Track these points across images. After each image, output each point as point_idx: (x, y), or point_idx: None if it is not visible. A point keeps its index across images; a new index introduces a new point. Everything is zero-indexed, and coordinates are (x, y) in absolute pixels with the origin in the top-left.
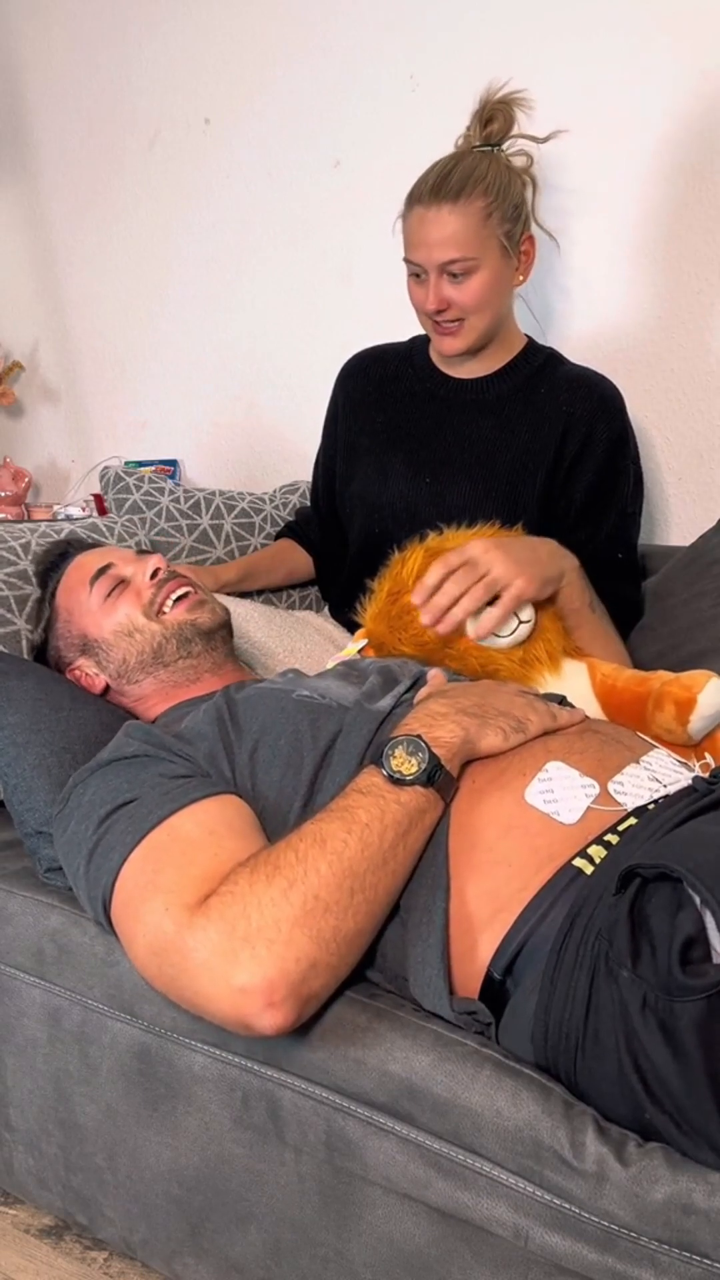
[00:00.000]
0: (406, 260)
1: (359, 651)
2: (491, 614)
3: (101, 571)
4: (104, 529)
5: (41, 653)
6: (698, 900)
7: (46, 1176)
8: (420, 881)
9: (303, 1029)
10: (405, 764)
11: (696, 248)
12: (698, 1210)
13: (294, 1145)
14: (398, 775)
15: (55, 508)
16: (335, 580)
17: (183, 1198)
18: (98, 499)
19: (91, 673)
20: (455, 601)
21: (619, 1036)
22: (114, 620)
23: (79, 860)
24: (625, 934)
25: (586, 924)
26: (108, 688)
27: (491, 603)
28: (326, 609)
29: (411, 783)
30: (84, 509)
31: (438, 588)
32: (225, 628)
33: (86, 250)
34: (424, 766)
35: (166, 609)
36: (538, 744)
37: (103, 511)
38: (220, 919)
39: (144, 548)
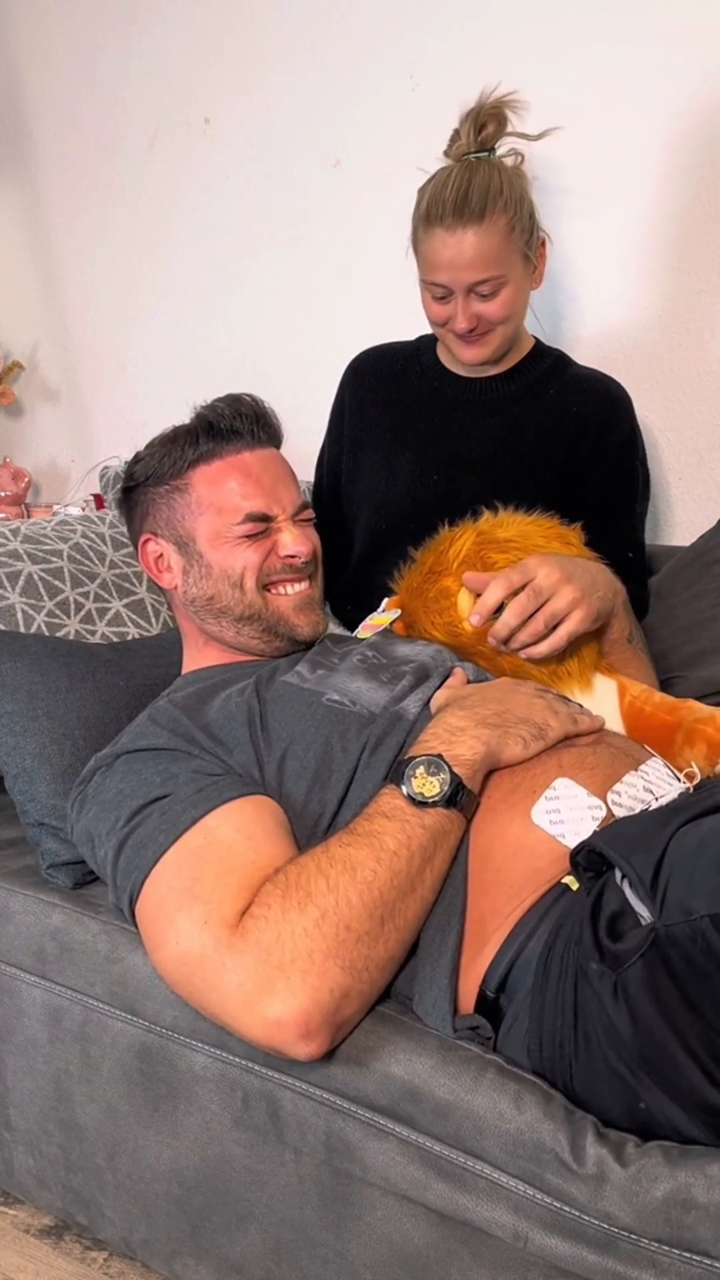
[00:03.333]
0: (428, 282)
1: (391, 625)
2: (542, 649)
3: (261, 519)
4: (97, 519)
5: (128, 488)
6: (618, 875)
7: (46, 1176)
8: (438, 900)
9: None
10: (427, 785)
11: (698, 248)
12: (697, 1205)
13: (294, 1146)
14: (419, 797)
15: (55, 508)
16: (336, 577)
17: (183, 1198)
18: (98, 499)
19: (171, 571)
20: (513, 632)
21: (602, 1031)
22: (230, 560)
23: (107, 849)
24: (589, 929)
25: (569, 934)
26: (174, 589)
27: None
28: (327, 607)
29: (434, 804)
30: (84, 509)
31: (497, 609)
32: (315, 641)
33: (86, 250)
34: (446, 789)
35: (276, 590)
36: (550, 758)
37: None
38: (256, 945)
39: (307, 504)
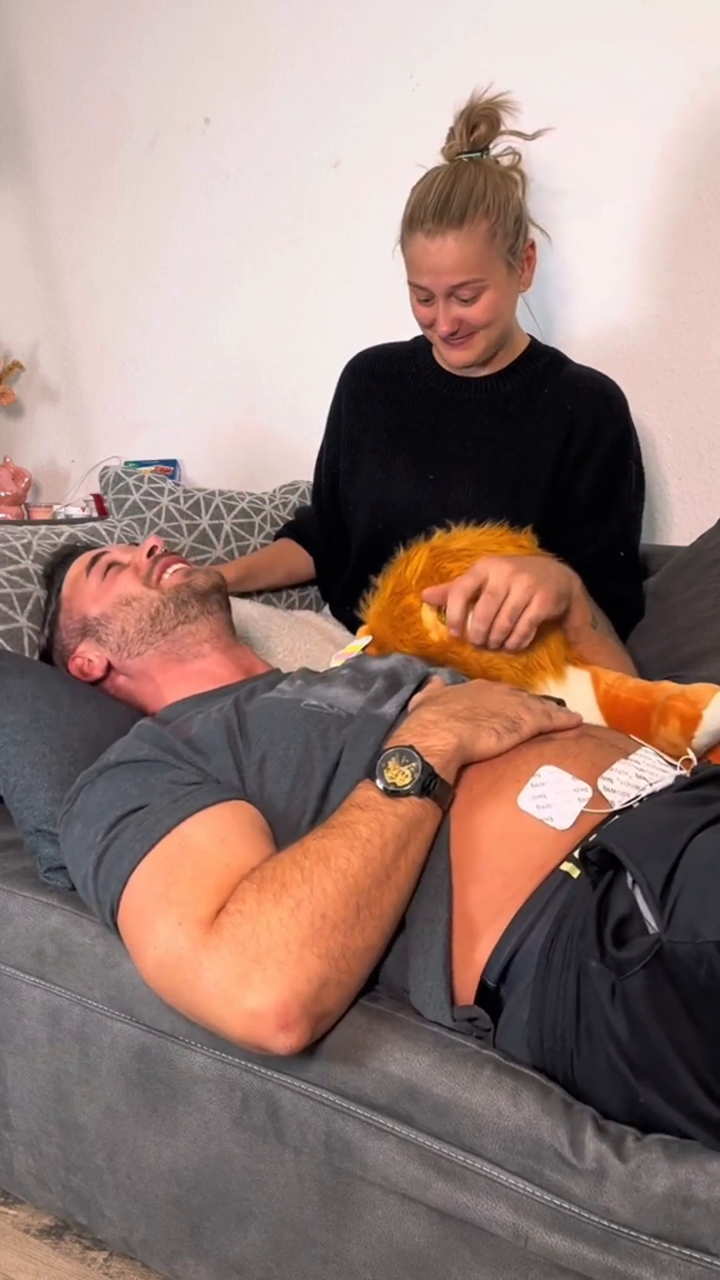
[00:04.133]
0: (411, 284)
1: (364, 649)
2: (514, 640)
3: (96, 558)
4: (104, 533)
5: (47, 653)
6: (629, 879)
7: (46, 1176)
8: (423, 891)
9: None
10: (399, 775)
11: (697, 248)
12: (698, 1202)
13: (294, 1146)
14: (392, 787)
15: (55, 508)
16: (336, 578)
17: (182, 1198)
18: (98, 499)
19: (93, 656)
20: (484, 636)
21: (603, 1027)
22: (112, 595)
23: (87, 865)
24: (593, 926)
25: (572, 926)
26: (109, 668)
27: None
28: (327, 608)
29: (407, 793)
30: (84, 509)
31: (464, 620)
32: (220, 591)
33: (86, 250)
34: (418, 776)
35: (163, 578)
36: (533, 750)
37: (102, 512)
38: (231, 939)
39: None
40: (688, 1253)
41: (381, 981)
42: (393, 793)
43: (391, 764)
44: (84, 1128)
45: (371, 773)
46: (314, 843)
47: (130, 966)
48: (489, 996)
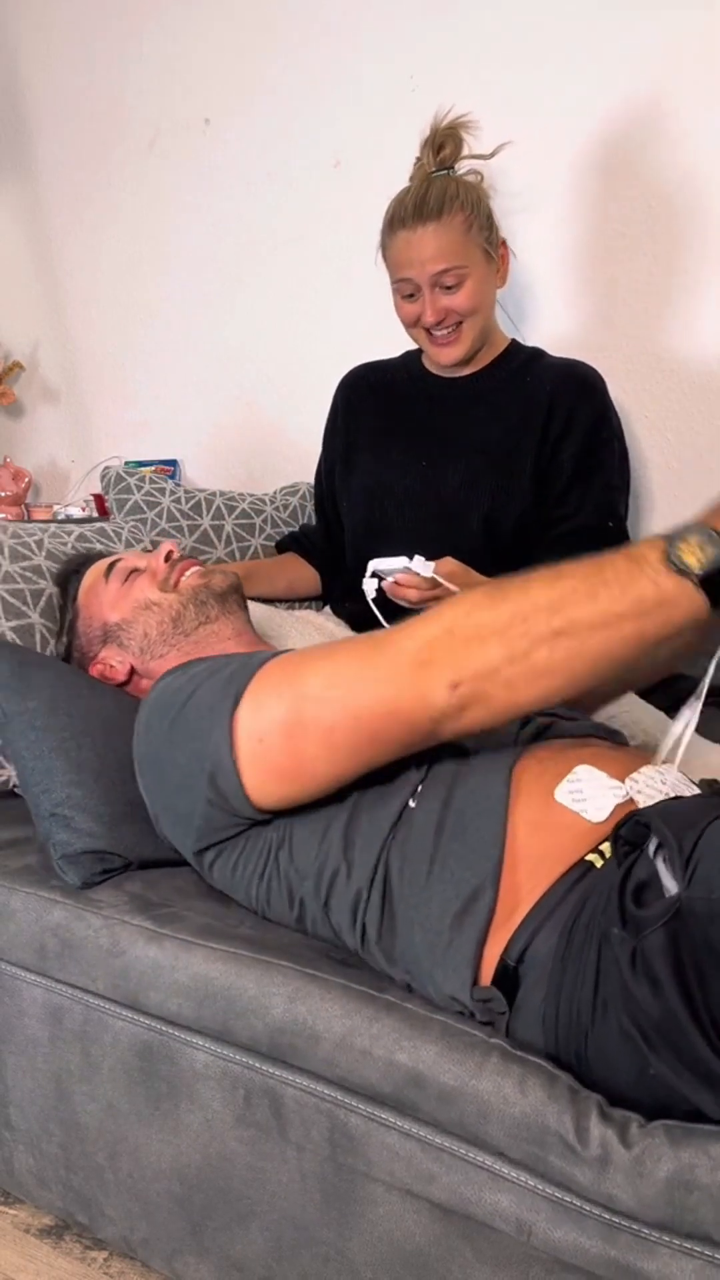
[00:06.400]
0: (396, 281)
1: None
2: None
3: (113, 565)
4: (111, 534)
5: (65, 659)
6: (650, 848)
7: (47, 1176)
8: (471, 868)
9: (307, 1021)
10: (690, 554)
11: (697, 247)
12: (700, 1186)
13: (296, 1142)
14: (675, 559)
15: (55, 508)
16: (336, 576)
17: (184, 1196)
18: (98, 499)
19: (115, 662)
20: None
21: (620, 996)
22: (131, 600)
23: (213, 682)
24: (615, 898)
25: (595, 904)
26: (132, 671)
27: None
28: (327, 608)
29: (683, 574)
30: (84, 509)
31: None
32: (237, 591)
33: (87, 250)
34: (706, 567)
35: (181, 582)
36: (572, 752)
37: (103, 512)
38: (436, 622)
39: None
40: (689, 1245)
41: (405, 954)
42: (672, 564)
43: (693, 539)
44: (85, 1126)
45: (670, 535)
46: (551, 569)
47: (135, 954)
48: (507, 976)
